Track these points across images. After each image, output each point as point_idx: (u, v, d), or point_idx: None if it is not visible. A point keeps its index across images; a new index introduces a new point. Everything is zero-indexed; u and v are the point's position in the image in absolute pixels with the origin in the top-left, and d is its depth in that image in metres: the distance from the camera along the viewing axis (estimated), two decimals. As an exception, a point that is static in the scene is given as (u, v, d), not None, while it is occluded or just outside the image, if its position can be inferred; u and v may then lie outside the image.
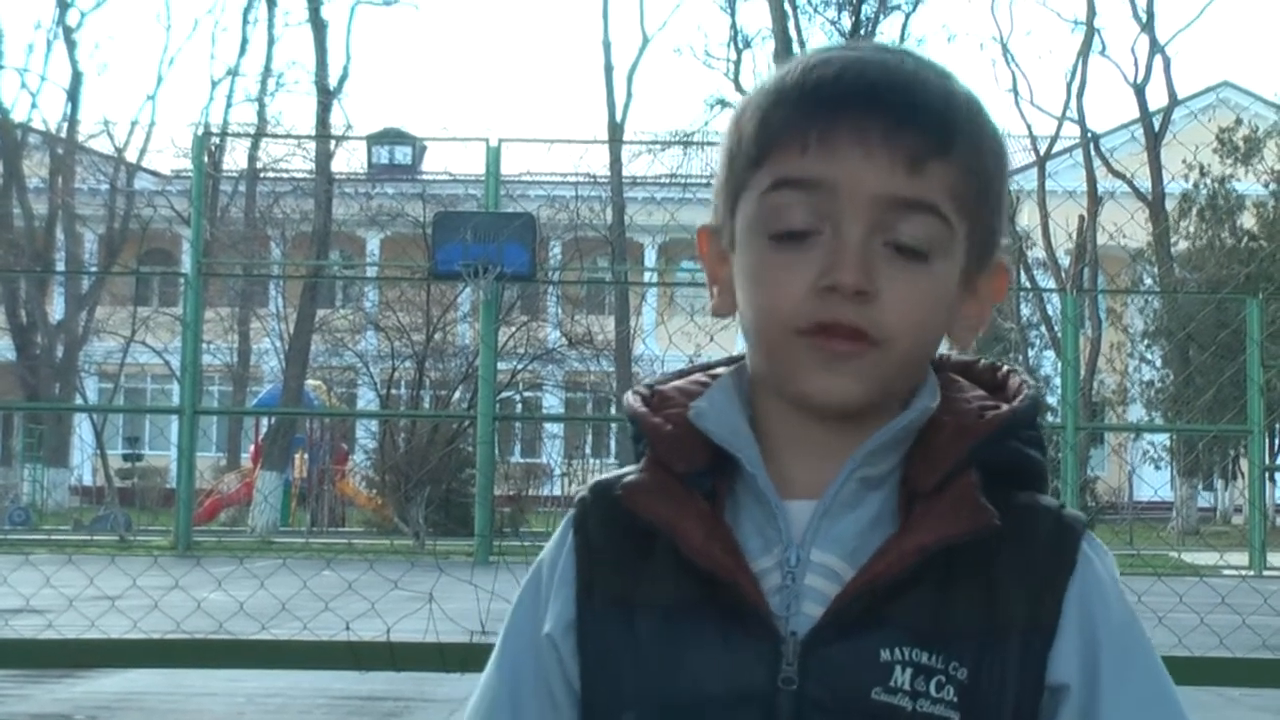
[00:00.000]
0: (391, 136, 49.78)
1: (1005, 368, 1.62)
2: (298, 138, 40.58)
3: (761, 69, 40.10)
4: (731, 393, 1.57)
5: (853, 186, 1.46)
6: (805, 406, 1.51)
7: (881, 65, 1.51)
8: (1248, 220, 39.35)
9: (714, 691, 1.46)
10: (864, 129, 1.47)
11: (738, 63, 41.88)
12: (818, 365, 1.47)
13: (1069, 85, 42.26)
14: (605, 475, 1.61)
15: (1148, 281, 40.46)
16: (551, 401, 39.39)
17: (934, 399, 1.53)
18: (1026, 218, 45.59)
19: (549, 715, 1.58)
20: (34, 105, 54.72)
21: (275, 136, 42.42)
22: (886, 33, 42.34)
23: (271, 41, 42.35)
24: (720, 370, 1.62)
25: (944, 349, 1.59)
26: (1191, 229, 39.66)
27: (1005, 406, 1.55)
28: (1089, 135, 41.73)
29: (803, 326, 1.47)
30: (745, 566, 1.47)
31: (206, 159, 28.52)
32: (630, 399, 1.61)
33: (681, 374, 1.64)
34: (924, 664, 1.44)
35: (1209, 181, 39.32)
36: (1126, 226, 25.31)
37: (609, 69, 42.11)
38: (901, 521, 1.48)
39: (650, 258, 39.55)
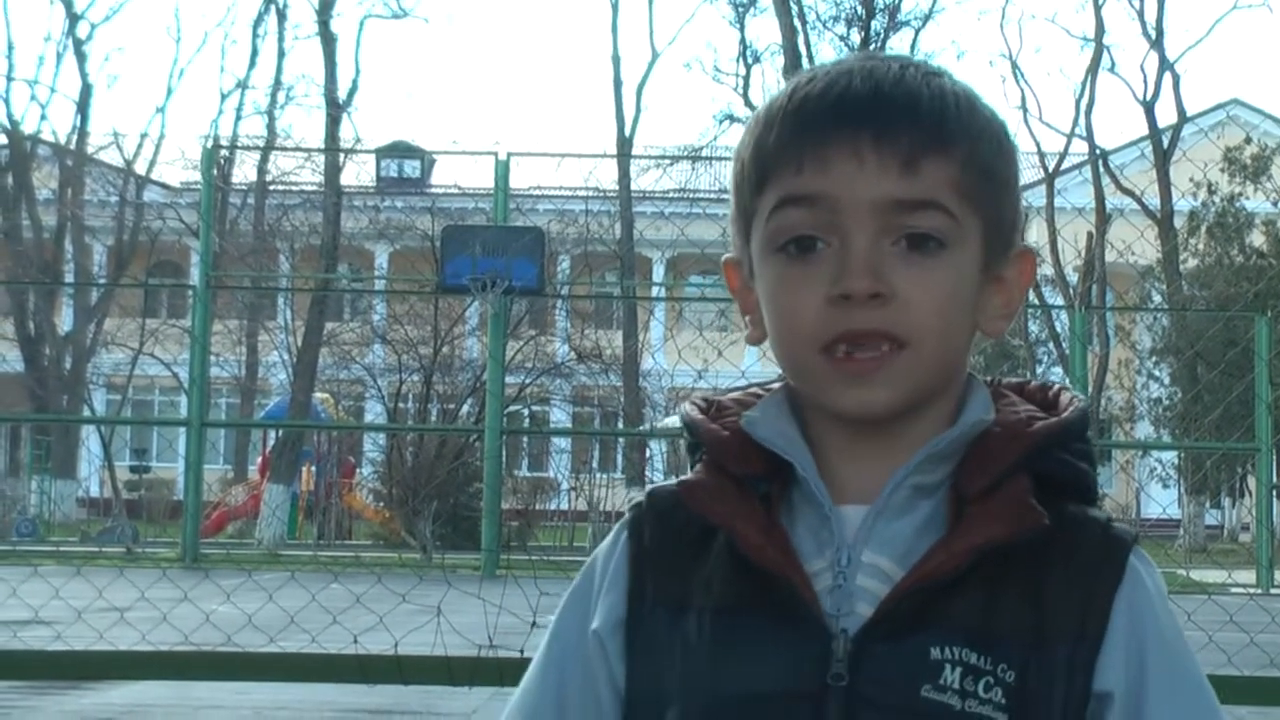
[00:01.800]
0: (400, 150, 49.81)
1: (1057, 386, 1.64)
2: (307, 150, 40.67)
3: (771, 84, 40.09)
4: (783, 404, 1.59)
5: (850, 196, 1.49)
6: (842, 420, 1.54)
7: (867, 73, 1.54)
8: (1256, 238, 39.31)
9: (763, 689, 1.49)
10: (854, 138, 1.50)
11: (747, 78, 41.91)
12: (846, 382, 1.50)
13: (1078, 102, 42.31)
14: (661, 484, 1.64)
15: (1156, 299, 40.40)
16: (559, 416, 39.40)
17: (988, 412, 1.55)
18: (1035, 234, 45.52)
19: (593, 717, 1.59)
20: (44, 117, 55.03)
21: (284, 149, 42.44)
22: (896, 49, 42.38)
23: (281, 54, 42.38)
24: (774, 385, 1.64)
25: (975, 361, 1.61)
26: (1200, 246, 39.62)
27: (1055, 418, 1.56)
28: (1098, 152, 41.70)
29: (825, 342, 1.49)
30: (799, 566, 1.50)
31: (215, 171, 28.56)
32: (688, 408, 1.64)
33: (736, 389, 1.67)
34: (973, 664, 1.46)
35: (1217, 199, 39.28)
36: (1135, 244, 25.24)
37: (618, 84, 42.16)
38: (950, 524, 1.50)
39: (659, 273, 39.53)
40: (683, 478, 1.60)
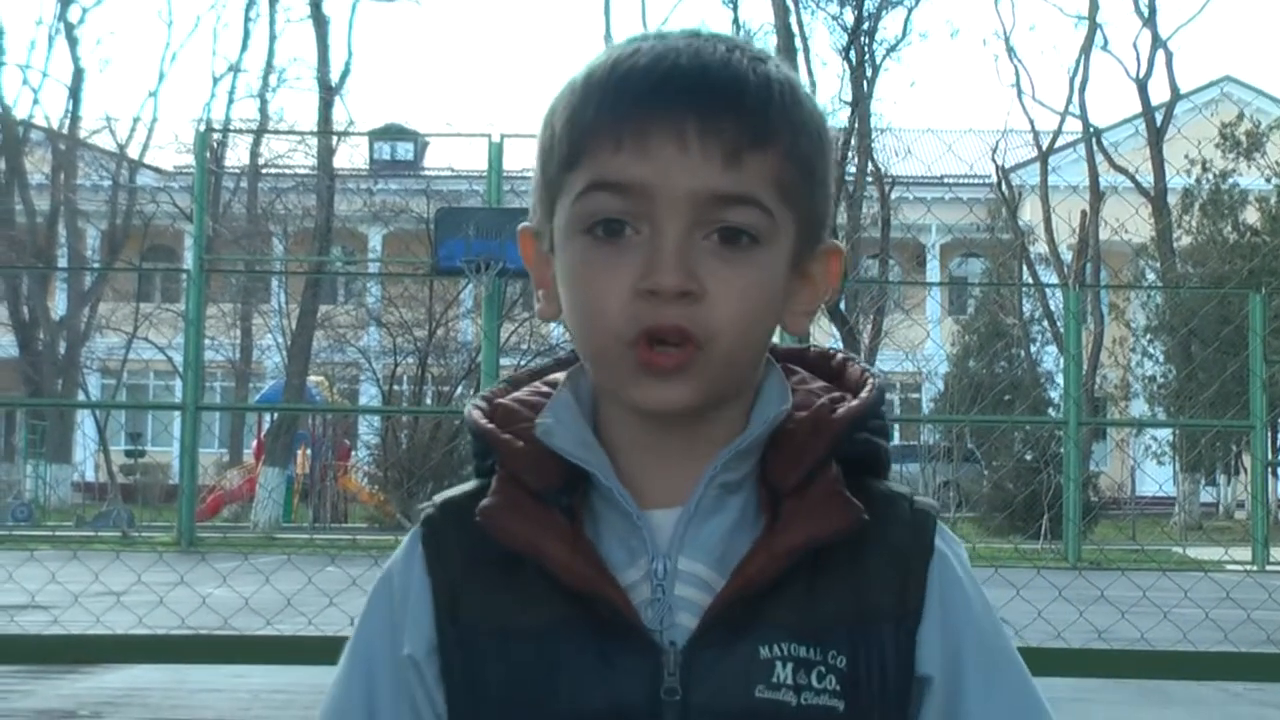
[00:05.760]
0: (394, 132, 49.70)
1: (840, 354, 1.61)
2: (300, 133, 40.60)
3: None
4: (574, 404, 1.54)
5: (668, 186, 1.43)
6: (639, 413, 1.49)
7: (694, 54, 1.47)
8: (1250, 215, 39.33)
9: (594, 709, 1.45)
10: (678, 124, 1.43)
11: (739, 58, 41.76)
12: (646, 379, 1.45)
13: (1071, 80, 42.31)
14: (453, 491, 1.58)
15: (1150, 276, 40.44)
16: (554, 397, 39.35)
17: (786, 400, 1.51)
18: (1029, 213, 45.57)
19: None
20: (36, 101, 55.02)
21: (277, 132, 42.44)
22: (889, 27, 42.31)
23: (273, 37, 42.61)
24: (556, 376, 1.59)
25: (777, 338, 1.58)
26: (1194, 224, 39.65)
27: (856, 400, 1.53)
28: (1091, 130, 41.72)
29: (629, 337, 1.44)
30: (613, 580, 1.45)
31: (209, 155, 28.52)
32: (473, 413, 1.56)
33: (516, 383, 1.60)
34: (803, 657, 1.45)
35: (1211, 176, 39.30)
36: (1129, 221, 25.31)
37: (611, 65, 42.09)
38: (766, 521, 1.47)
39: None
40: (482, 501, 1.51)
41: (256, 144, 42.38)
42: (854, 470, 1.51)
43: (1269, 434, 21.95)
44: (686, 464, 1.49)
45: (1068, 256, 40.66)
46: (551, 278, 1.53)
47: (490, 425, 1.54)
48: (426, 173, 44.76)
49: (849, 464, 1.51)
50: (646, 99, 1.44)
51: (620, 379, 1.47)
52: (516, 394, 1.58)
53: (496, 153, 21.32)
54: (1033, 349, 40.44)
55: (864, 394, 1.54)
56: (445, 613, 1.52)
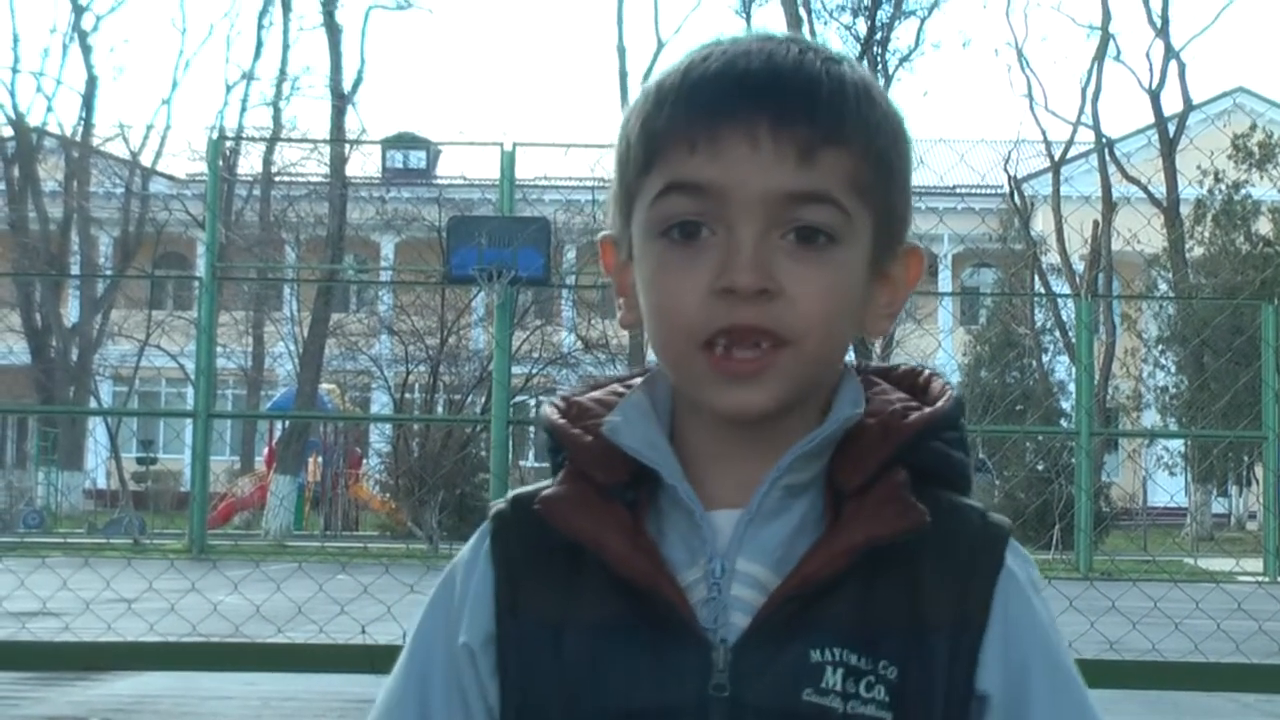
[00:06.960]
0: (406, 140, 49.75)
1: (927, 371, 1.60)
2: (312, 141, 40.57)
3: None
4: (646, 405, 1.54)
5: (743, 186, 1.44)
6: (715, 418, 1.49)
7: (766, 57, 1.49)
8: (1263, 226, 39.28)
9: (643, 705, 1.44)
10: (750, 124, 1.44)
11: (752, 68, 41.78)
12: (724, 382, 1.45)
13: (1084, 91, 42.28)
14: (525, 488, 1.58)
15: (1162, 287, 40.39)
16: (566, 406, 39.30)
17: (859, 404, 1.51)
18: (1041, 223, 45.52)
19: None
20: (49, 109, 54.91)
21: (290, 140, 42.38)
22: (902, 38, 42.34)
23: (286, 45, 42.31)
24: (635, 381, 1.59)
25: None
26: (1206, 234, 39.59)
27: (928, 408, 1.53)
28: (1104, 141, 41.67)
29: (704, 337, 1.44)
30: (670, 577, 1.46)
31: (221, 163, 28.51)
32: (548, 410, 1.58)
33: (597, 385, 1.61)
34: (854, 665, 1.43)
35: (1224, 187, 39.25)
36: (1141, 232, 25.26)
37: (624, 74, 42.15)
38: (828, 524, 1.46)
39: (664, 262, 39.40)
40: (544, 490, 1.53)
41: (269, 152, 42.34)
42: (927, 481, 1.50)
43: (1281, 445, 21.88)
44: (756, 466, 1.49)
45: (1080, 267, 40.61)
46: (630, 285, 1.54)
47: (563, 421, 1.56)
48: (439, 181, 44.80)
49: (923, 475, 1.50)
50: (719, 102, 1.46)
51: (697, 383, 1.48)
52: (594, 393, 1.59)
53: (509, 161, 21.34)
54: (1044, 359, 40.43)
55: (939, 404, 1.54)
56: (506, 605, 1.53)
